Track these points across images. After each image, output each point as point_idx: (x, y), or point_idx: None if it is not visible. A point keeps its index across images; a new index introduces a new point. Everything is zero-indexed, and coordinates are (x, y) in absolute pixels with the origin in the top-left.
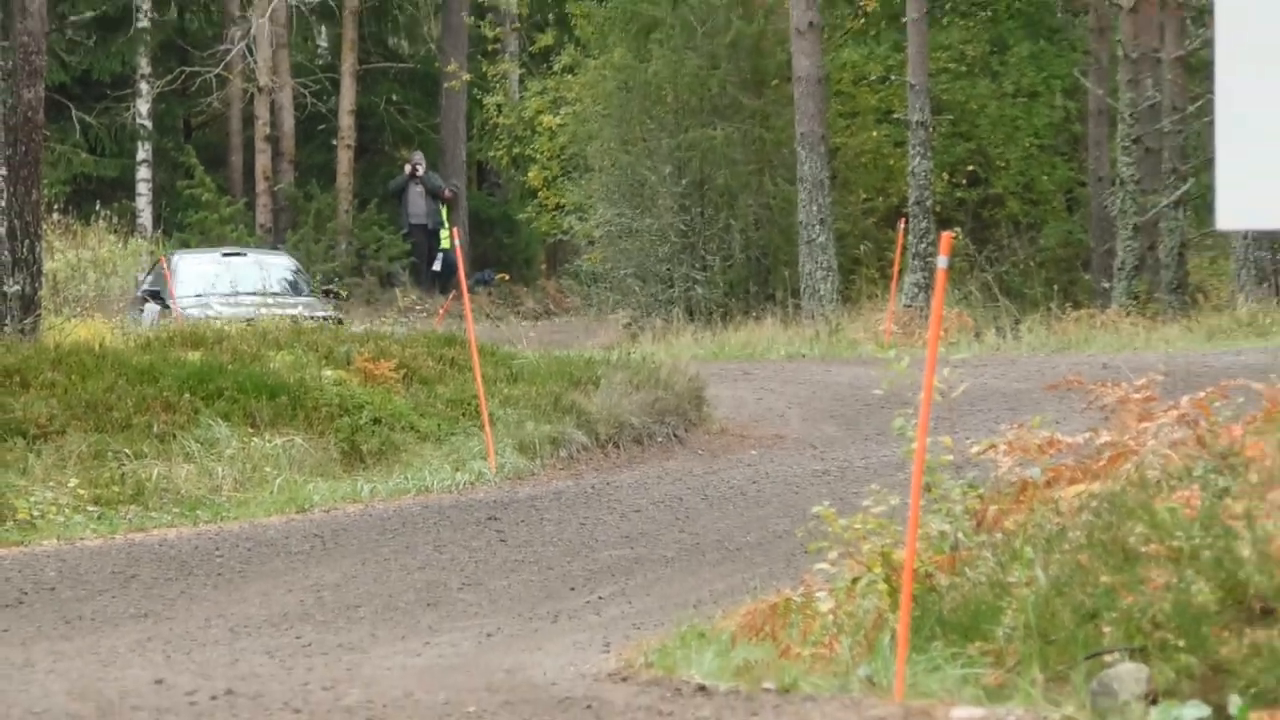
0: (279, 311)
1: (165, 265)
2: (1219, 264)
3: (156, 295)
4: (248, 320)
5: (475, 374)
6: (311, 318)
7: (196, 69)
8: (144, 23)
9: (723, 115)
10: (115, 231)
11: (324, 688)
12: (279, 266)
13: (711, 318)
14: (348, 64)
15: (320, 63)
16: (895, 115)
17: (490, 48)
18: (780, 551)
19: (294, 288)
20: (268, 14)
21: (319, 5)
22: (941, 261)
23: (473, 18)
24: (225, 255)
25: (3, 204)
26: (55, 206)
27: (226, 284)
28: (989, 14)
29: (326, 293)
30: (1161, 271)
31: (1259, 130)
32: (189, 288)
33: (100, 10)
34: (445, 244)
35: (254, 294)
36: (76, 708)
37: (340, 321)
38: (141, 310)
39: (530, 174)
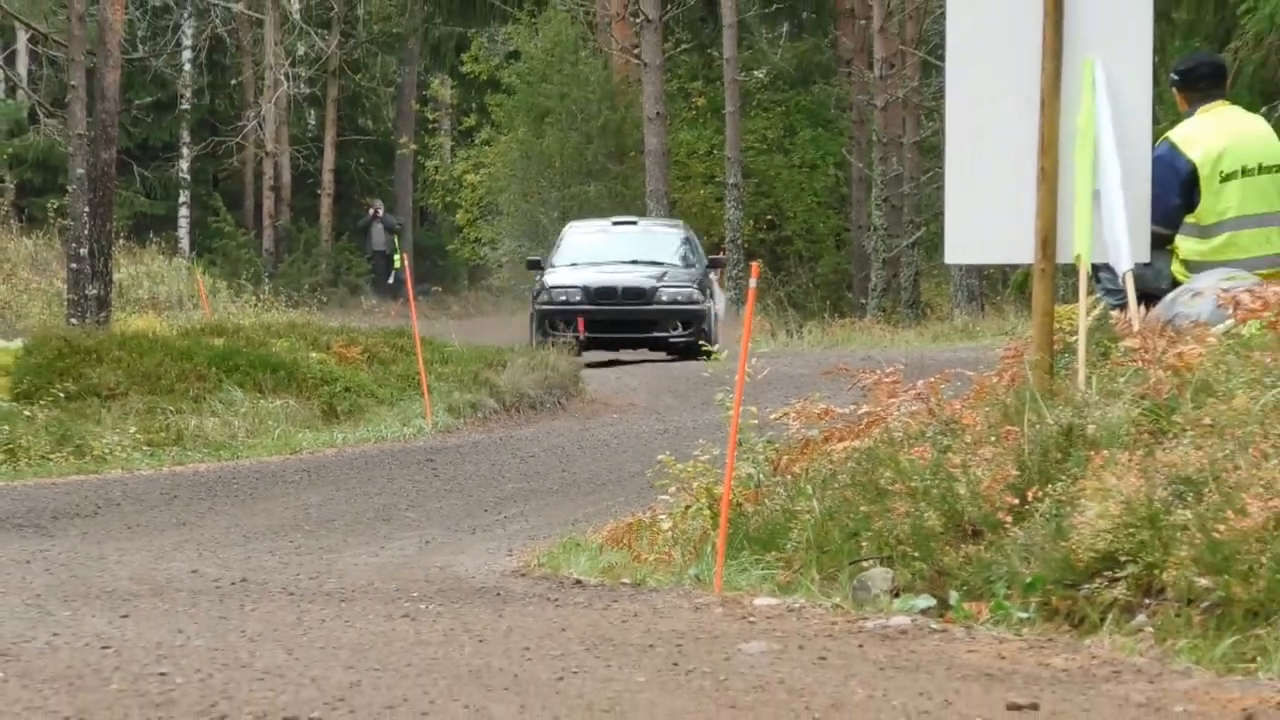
0: (634, 282)
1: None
2: (942, 287)
3: (538, 265)
4: (595, 287)
5: (418, 357)
6: (670, 289)
7: (222, 138)
8: (186, 106)
9: (595, 177)
10: (163, 253)
11: (310, 577)
12: (665, 236)
13: None
14: (329, 136)
15: (310, 135)
16: (716, 179)
17: (430, 126)
18: (634, 487)
19: (677, 257)
20: (273, 100)
21: (310, 95)
22: (751, 283)
23: (418, 105)
24: (615, 224)
25: (86, 232)
26: (121, 235)
27: (603, 253)
28: (783, 109)
29: (713, 263)
30: (901, 292)
31: (974, 194)
32: (566, 256)
33: (155, 97)
34: (397, 265)
35: (623, 262)
36: (136, 588)
37: (699, 298)
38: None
39: (457, 216)
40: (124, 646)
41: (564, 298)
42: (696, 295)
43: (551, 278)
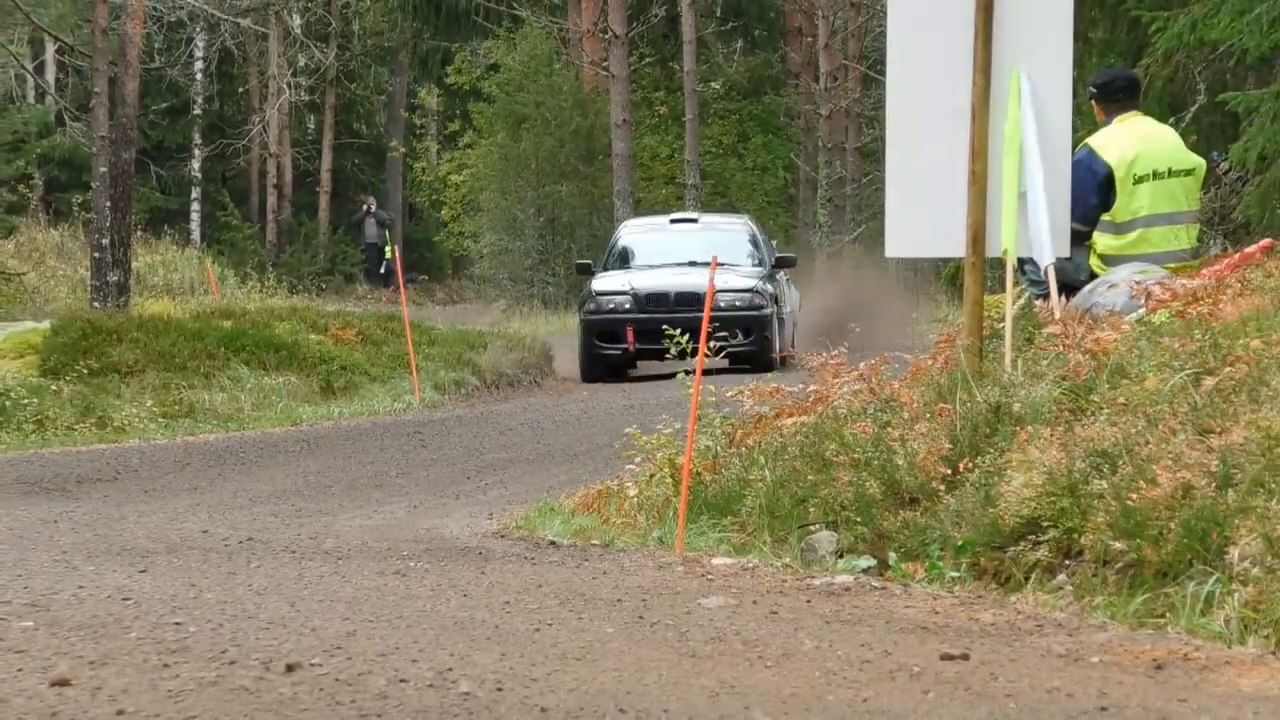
0: (688, 286)
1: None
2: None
3: (588, 269)
4: (645, 293)
5: (407, 339)
6: (729, 293)
7: (230, 141)
8: (198, 111)
9: (567, 177)
10: (176, 244)
11: (310, 537)
12: (726, 235)
13: (558, 307)
14: (327, 140)
15: (309, 138)
16: (677, 179)
17: (419, 130)
18: (603, 457)
19: (741, 256)
20: (276, 107)
21: (309, 102)
22: (711, 275)
23: (407, 112)
24: (673, 221)
25: (107, 225)
26: (139, 227)
27: (659, 254)
28: (737, 117)
29: (780, 262)
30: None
31: (912, 195)
32: (619, 259)
33: (170, 103)
34: (388, 256)
35: (680, 264)
36: (152, 545)
37: (762, 303)
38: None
39: (442, 212)
40: (142, 598)
41: (612, 305)
42: (758, 300)
43: (600, 283)
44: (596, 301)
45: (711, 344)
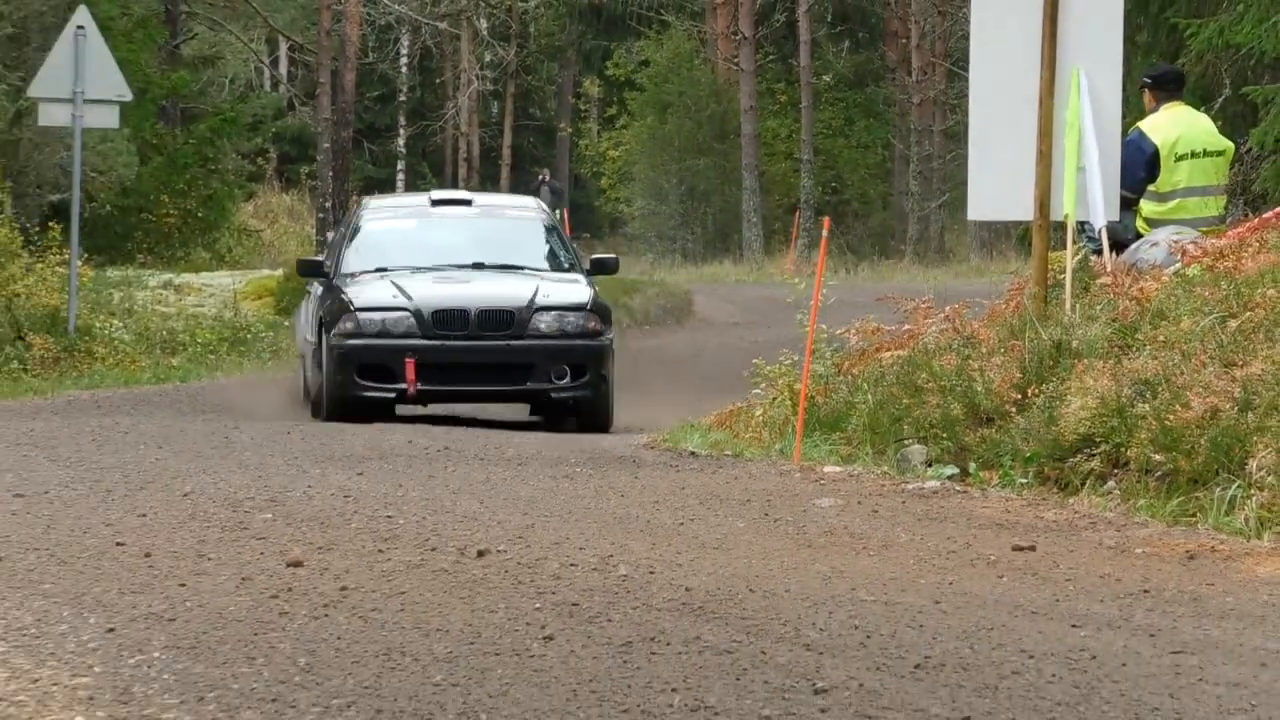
0: (495, 299)
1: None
2: (961, 238)
3: (318, 270)
4: (432, 310)
5: None
6: (551, 311)
7: (429, 122)
8: (403, 98)
9: (704, 153)
10: None
11: (495, 447)
12: (515, 224)
13: (697, 261)
14: (508, 122)
15: (493, 120)
16: (794, 155)
17: (583, 114)
18: (734, 383)
19: (535, 256)
20: (466, 95)
21: (493, 91)
22: (824, 233)
23: (574, 98)
24: (435, 204)
25: (329, 191)
26: (354, 193)
27: (424, 251)
28: (844, 104)
29: (597, 265)
30: (931, 241)
31: (990, 169)
32: (366, 256)
33: (380, 91)
34: (559, 218)
35: (462, 266)
36: (367, 453)
37: (599, 328)
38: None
39: (602, 181)
40: (360, 496)
41: (381, 327)
42: (592, 324)
43: (357, 292)
44: (356, 320)
45: (530, 387)
